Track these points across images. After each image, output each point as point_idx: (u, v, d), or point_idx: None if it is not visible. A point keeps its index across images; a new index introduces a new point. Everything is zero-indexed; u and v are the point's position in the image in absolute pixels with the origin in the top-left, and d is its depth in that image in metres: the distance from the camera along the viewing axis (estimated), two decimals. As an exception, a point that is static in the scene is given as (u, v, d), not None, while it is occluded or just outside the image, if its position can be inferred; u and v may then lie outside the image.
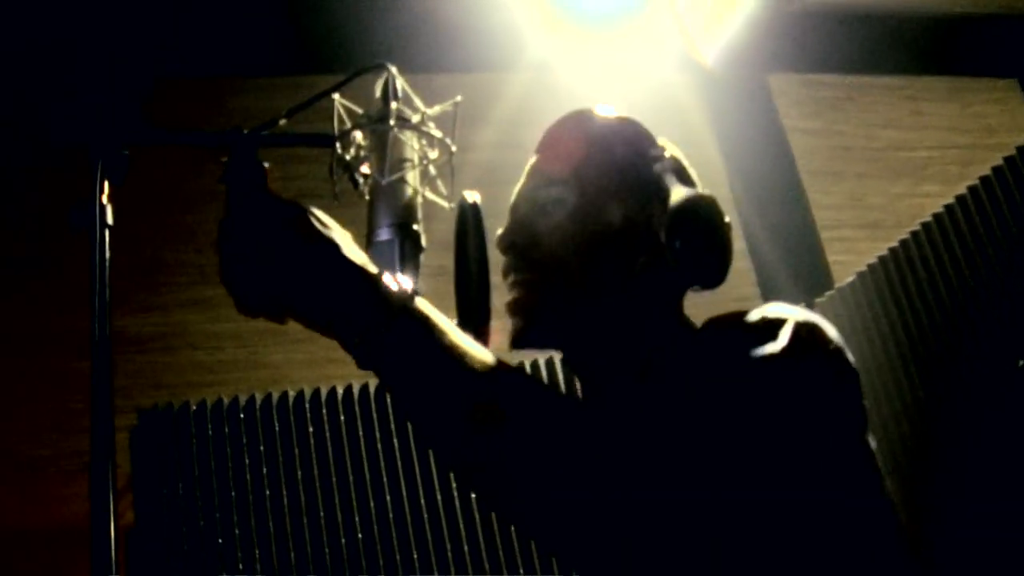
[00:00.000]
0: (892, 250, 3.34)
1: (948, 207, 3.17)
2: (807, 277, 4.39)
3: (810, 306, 3.55)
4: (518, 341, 1.46)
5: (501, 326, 1.42)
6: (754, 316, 1.26)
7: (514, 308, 1.46)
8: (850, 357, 1.25)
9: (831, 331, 1.25)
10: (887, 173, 5.04)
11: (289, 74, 4.18)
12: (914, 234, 3.27)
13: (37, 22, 3.90)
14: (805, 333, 1.22)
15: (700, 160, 1.60)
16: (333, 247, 1.11)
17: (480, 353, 1.12)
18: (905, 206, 4.87)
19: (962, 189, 3.14)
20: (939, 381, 3.12)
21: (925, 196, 4.89)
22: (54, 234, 3.75)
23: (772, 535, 1.14)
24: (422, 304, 1.12)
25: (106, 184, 1.30)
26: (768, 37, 4.41)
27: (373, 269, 1.12)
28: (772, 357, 1.18)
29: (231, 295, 1.12)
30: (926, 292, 3.18)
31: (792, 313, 1.25)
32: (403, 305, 1.10)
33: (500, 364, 1.12)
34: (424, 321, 1.11)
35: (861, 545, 1.20)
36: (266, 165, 1.30)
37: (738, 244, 4.82)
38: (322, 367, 3.87)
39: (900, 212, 4.83)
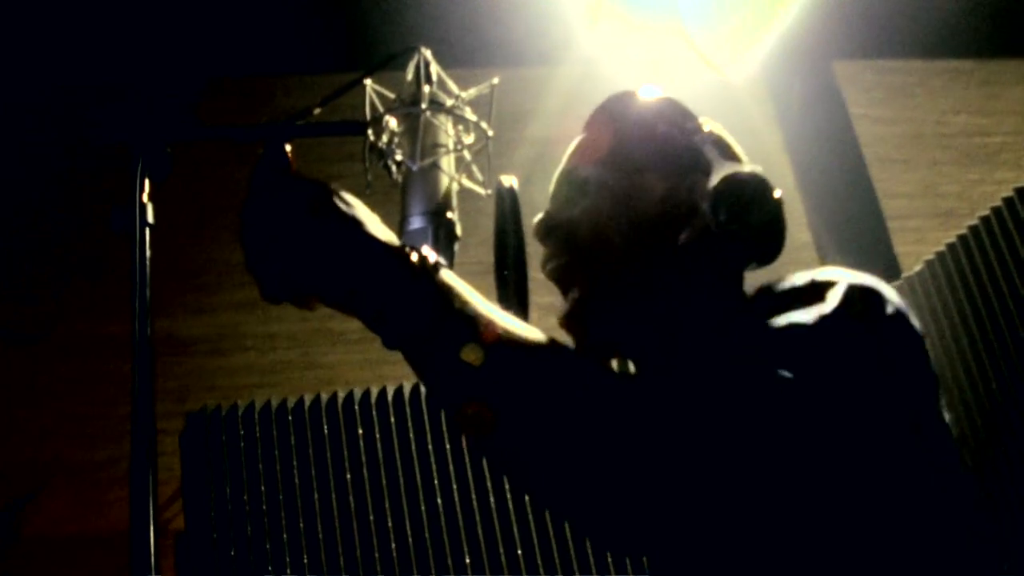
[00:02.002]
0: (961, 237, 3.24)
1: (1019, 190, 3.07)
2: (874, 268, 4.26)
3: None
4: (578, 340, 1.39)
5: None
6: (805, 280, 1.20)
7: (570, 319, 1.39)
8: (914, 321, 1.17)
9: (889, 293, 1.18)
10: (961, 160, 4.91)
11: (337, 72, 4.17)
12: (984, 219, 3.16)
13: (81, 23, 3.93)
14: (858, 294, 1.15)
15: (762, 153, 1.55)
16: (355, 223, 1.06)
17: (510, 324, 1.05)
18: (979, 194, 4.73)
19: None
20: (1011, 371, 3.00)
21: (1000, 183, 4.75)
22: (105, 235, 3.76)
23: (836, 509, 1.08)
24: (448, 276, 1.06)
25: (147, 183, 1.29)
26: (834, 23, 4.29)
27: (396, 243, 1.06)
28: (822, 319, 1.11)
29: (255, 280, 1.07)
30: (998, 278, 3.07)
31: (845, 276, 1.18)
32: (425, 277, 1.04)
33: (517, 338, 1.05)
34: (446, 294, 1.04)
35: (939, 518, 1.14)
36: (288, 147, 1.25)
37: (803, 236, 4.77)
38: (378, 368, 3.84)
39: (974, 200, 4.69)
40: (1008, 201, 3.09)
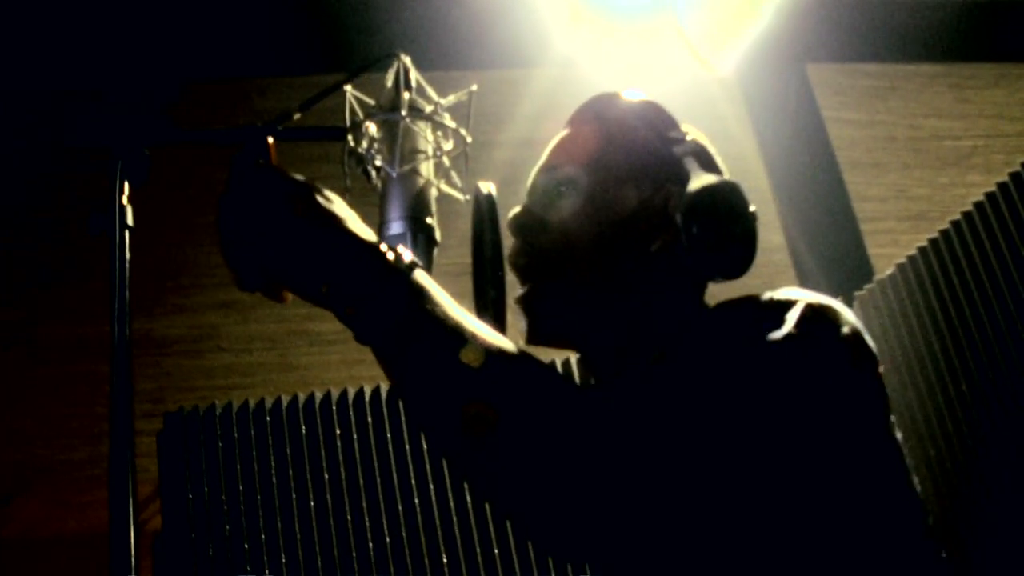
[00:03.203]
0: (932, 241, 3.26)
1: (989, 195, 3.09)
2: (847, 271, 4.31)
3: (849, 300, 3.48)
4: (531, 337, 1.41)
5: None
6: (763, 298, 1.21)
7: (522, 304, 1.41)
8: (869, 341, 1.19)
9: (846, 314, 1.19)
10: (932, 163, 4.95)
11: (315, 74, 4.17)
12: (955, 224, 3.18)
13: (58, 27, 3.92)
14: (813, 314, 1.16)
15: (735, 155, 1.57)
16: (333, 218, 1.08)
17: (479, 330, 1.06)
18: (950, 197, 4.77)
19: (1007, 177, 3.06)
20: (981, 374, 3.03)
21: (971, 186, 4.79)
22: (81, 239, 3.76)
23: (783, 525, 1.10)
24: (421, 276, 1.07)
25: (126, 185, 1.29)
26: (807, 26, 4.32)
27: (372, 239, 1.07)
28: (777, 340, 1.12)
29: (229, 270, 1.09)
30: (968, 282, 3.09)
31: (803, 295, 1.19)
32: (400, 274, 1.05)
33: (499, 345, 1.06)
34: (420, 293, 1.05)
35: (878, 538, 1.14)
36: (270, 140, 1.25)
37: (776, 238, 4.81)
38: (355, 368, 3.84)
39: (945, 203, 4.73)
40: (979, 205, 3.11)
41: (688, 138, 1.45)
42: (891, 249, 4.46)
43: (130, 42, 4.01)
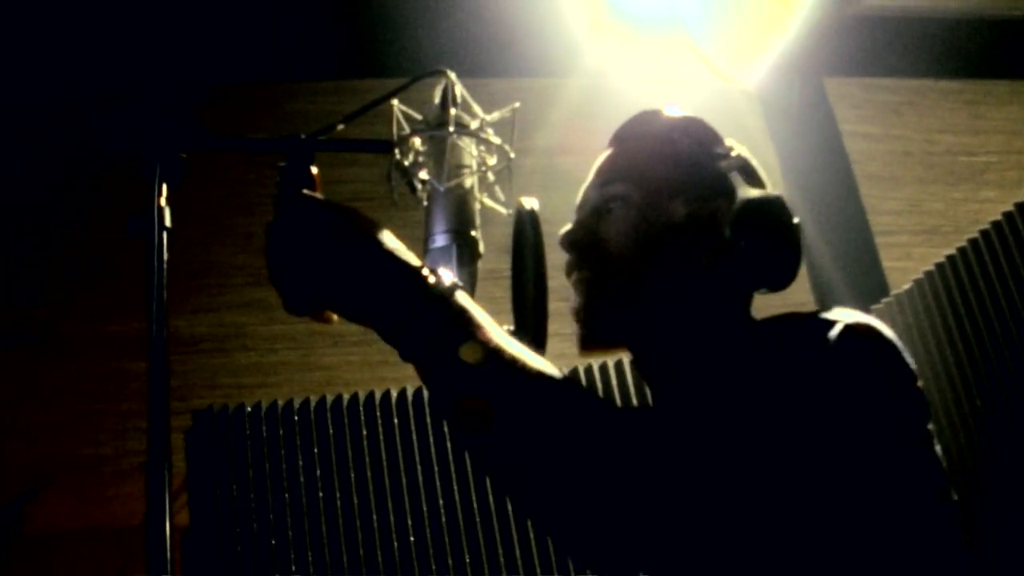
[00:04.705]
0: (950, 257, 3.29)
1: (1007, 214, 3.12)
2: (862, 283, 4.34)
3: (866, 312, 3.51)
4: (584, 342, 1.46)
5: (570, 329, 1.43)
6: (807, 316, 1.26)
7: (576, 311, 1.46)
8: (908, 359, 1.23)
9: (886, 332, 1.23)
10: (946, 178, 4.98)
11: (344, 78, 4.22)
12: (972, 241, 3.21)
13: (93, 29, 3.95)
14: (855, 333, 1.19)
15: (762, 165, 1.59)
16: (376, 244, 1.12)
17: (518, 351, 1.09)
18: (964, 212, 4.81)
19: (1021, 194, 3.09)
20: (996, 391, 3.05)
21: (984, 202, 4.84)
22: (104, 240, 3.81)
23: (818, 535, 1.12)
24: (462, 298, 1.11)
25: (164, 188, 1.32)
26: (826, 40, 4.36)
27: (415, 263, 1.11)
28: (820, 358, 1.16)
29: (279, 295, 1.13)
30: (985, 300, 3.12)
31: (845, 315, 1.23)
32: (441, 297, 1.09)
33: (539, 366, 1.09)
34: (460, 315, 1.09)
35: (917, 552, 1.17)
36: (314, 170, 1.29)
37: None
38: (376, 369, 3.89)
39: (959, 218, 4.78)
40: (996, 224, 3.14)
41: (733, 153, 1.51)
42: (905, 262, 4.51)
43: (159, 45, 4.05)
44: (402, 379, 3.39)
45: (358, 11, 4.23)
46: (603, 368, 3.38)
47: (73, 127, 4.03)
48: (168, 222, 1.31)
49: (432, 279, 1.10)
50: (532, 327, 1.33)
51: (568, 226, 1.51)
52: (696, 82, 4.44)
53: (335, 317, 1.15)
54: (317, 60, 4.33)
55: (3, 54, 3.88)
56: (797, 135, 4.66)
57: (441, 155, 1.70)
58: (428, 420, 3.26)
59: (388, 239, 1.13)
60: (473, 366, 1.06)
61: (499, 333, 1.10)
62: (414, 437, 3.24)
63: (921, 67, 5.05)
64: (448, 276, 1.12)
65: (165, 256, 1.31)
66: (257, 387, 3.77)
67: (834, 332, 1.19)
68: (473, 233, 1.62)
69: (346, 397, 3.27)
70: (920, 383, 1.25)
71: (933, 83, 5.15)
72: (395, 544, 3.09)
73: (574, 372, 3.30)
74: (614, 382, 3.33)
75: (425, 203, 1.68)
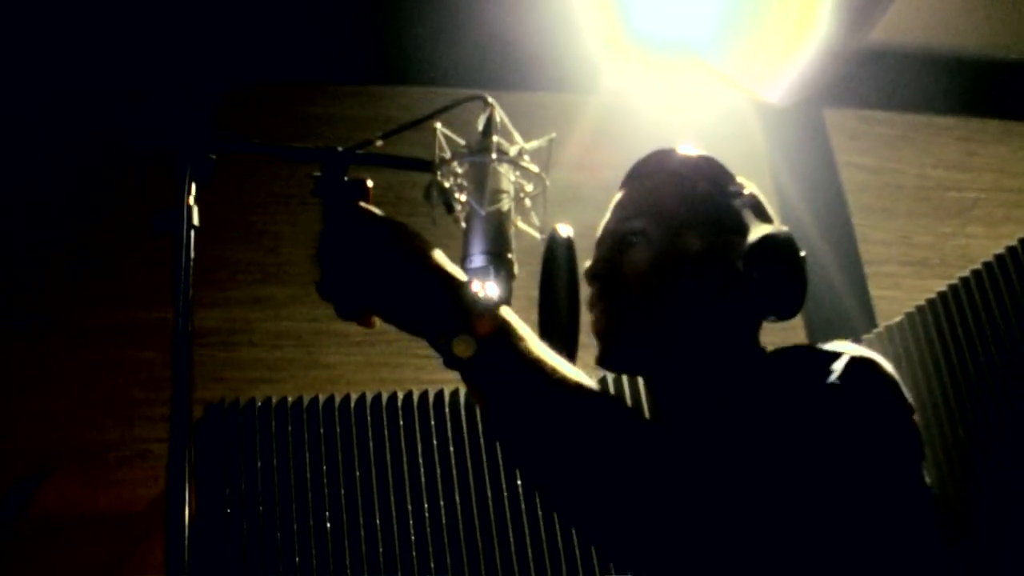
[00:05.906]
0: (941, 294, 3.38)
1: (999, 256, 3.21)
2: (851, 311, 4.43)
3: (857, 342, 3.58)
4: (602, 361, 1.56)
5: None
6: (814, 349, 1.35)
7: (596, 332, 1.55)
8: (905, 393, 1.31)
9: (886, 366, 1.32)
10: (936, 212, 5.07)
11: (362, 83, 4.27)
12: (964, 280, 3.30)
13: (118, 28, 3.98)
14: (858, 366, 1.27)
15: (755, 185, 1.67)
16: (425, 257, 1.19)
17: (557, 363, 1.17)
18: (951, 246, 4.90)
19: (1005, 231, 3.15)
20: (980, 425, 3.15)
21: (970, 237, 4.93)
22: (112, 232, 3.87)
23: (812, 553, 1.16)
24: (505, 312, 1.19)
25: (193, 187, 1.35)
26: (829, 71, 4.45)
27: (462, 277, 1.19)
28: (825, 390, 1.24)
29: (329, 301, 1.19)
30: (974, 338, 3.21)
31: (848, 348, 1.32)
32: (487, 309, 1.16)
33: (576, 378, 1.16)
34: (505, 327, 1.17)
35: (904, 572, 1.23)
36: (370, 183, 1.34)
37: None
38: (377, 370, 3.95)
39: (946, 251, 4.87)
40: (988, 264, 3.23)
41: (745, 191, 1.60)
42: (893, 292, 4.61)
43: (180, 44, 4.08)
44: (402, 380, 3.47)
45: (384, 19, 4.26)
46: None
47: (94, 120, 4.06)
48: (196, 221, 1.34)
49: (480, 293, 1.17)
50: (563, 351, 1.42)
51: (589, 262, 1.60)
52: (709, 102, 4.53)
53: (377, 321, 1.21)
54: (341, 63, 4.35)
55: (33, 47, 3.92)
56: (795, 160, 4.74)
57: (482, 179, 1.77)
58: (432, 423, 3.32)
59: (436, 252, 1.21)
60: (465, 360, 1.14)
61: (540, 345, 1.18)
62: (418, 438, 3.30)
63: (918, 102, 5.15)
64: (494, 290, 1.20)
65: (192, 254, 1.35)
66: (262, 382, 3.83)
67: (839, 364, 1.27)
68: (509, 255, 1.70)
69: (354, 397, 3.33)
70: (916, 417, 1.33)
71: (929, 119, 5.24)
72: (397, 543, 3.14)
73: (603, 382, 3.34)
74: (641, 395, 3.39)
75: (463, 224, 1.76)
